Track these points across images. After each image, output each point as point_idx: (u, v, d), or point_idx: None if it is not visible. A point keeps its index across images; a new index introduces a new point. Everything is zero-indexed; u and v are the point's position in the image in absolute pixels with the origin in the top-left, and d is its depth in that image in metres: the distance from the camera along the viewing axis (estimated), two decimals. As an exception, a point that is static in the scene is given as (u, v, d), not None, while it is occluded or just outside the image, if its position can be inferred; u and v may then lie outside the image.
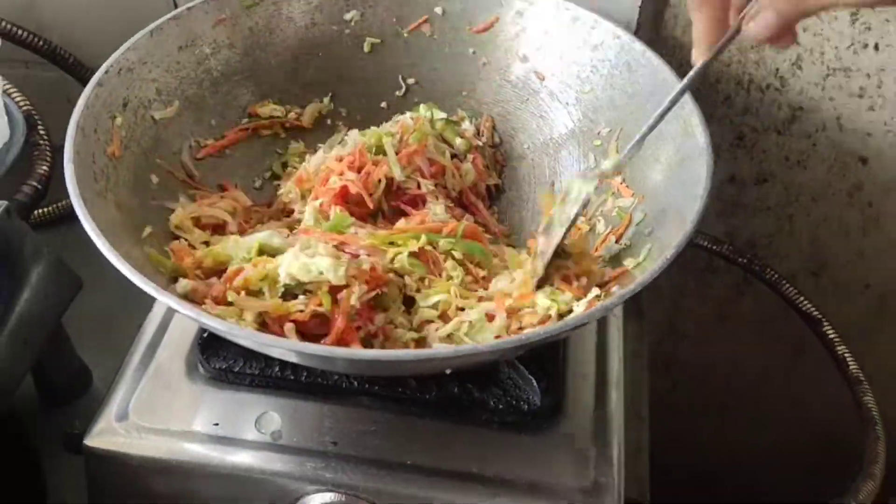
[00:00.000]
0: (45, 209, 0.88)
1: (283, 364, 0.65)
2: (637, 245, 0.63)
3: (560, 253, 0.65)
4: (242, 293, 0.61)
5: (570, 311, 0.61)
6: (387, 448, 0.62)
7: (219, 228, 0.70)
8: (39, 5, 0.93)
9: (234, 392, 0.66)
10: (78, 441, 0.63)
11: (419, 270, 0.64)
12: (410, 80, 0.81)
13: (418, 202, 0.71)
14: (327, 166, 0.71)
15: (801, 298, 0.92)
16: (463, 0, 0.78)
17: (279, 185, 0.76)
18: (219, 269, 0.64)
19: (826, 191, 0.96)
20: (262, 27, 0.77)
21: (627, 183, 0.68)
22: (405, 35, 0.80)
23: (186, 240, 0.67)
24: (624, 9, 0.81)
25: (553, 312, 0.61)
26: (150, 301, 0.72)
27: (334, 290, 0.60)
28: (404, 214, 0.70)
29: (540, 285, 0.64)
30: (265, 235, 0.65)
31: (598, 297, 0.62)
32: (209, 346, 0.66)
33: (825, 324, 0.90)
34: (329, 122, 0.81)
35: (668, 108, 0.61)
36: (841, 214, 0.98)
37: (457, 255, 0.65)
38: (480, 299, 0.64)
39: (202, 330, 0.67)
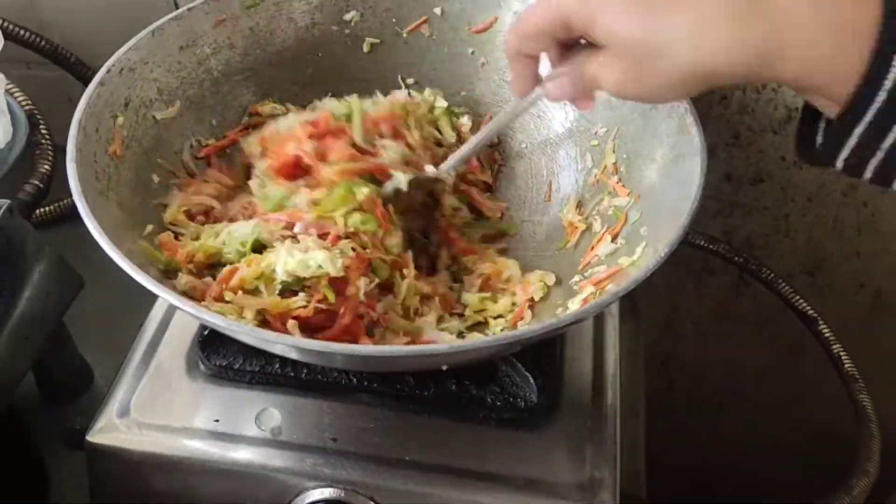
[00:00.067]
0: (47, 208, 0.89)
1: (283, 361, 0.66)
2: (632, 243, 0.63)
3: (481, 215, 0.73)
4: (240, 292, 0.61)
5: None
6: (386, 444, 0.62)
7: (209, 214, 0.71)
8: (41, 5, 0.93)
9: (235, 389, 0.66)
10: (80, 437, 0.64)
11: (371, 225, 0.64)
12: (410, 80, 0.81)
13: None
14: (291, 129, 0.71)
15: (797, 297, 0.92)
16: (462, 0, 0.78)
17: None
18: (211, 262, 0.65)
19: (822, 191, 0.96)
20: (262, 27, 0.77)
21: (623, 182, 0.69)
22: (404, 35, 0.80)
23: (174, 232, 0.67)
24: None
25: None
26: (150, 299, 0.72)
27: (333, 282, 0.60)
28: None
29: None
30: (251, 229, 0.65)
31: (593, 294, 0.62)
32: (209, 344, 0.67)
33: (821, 322, 0.90)
34: (329, 121, 0.82)
35: (479, 143, 0.67)
36: (836, 214, 0.98)
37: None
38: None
39: (202, 328, 0.68)
